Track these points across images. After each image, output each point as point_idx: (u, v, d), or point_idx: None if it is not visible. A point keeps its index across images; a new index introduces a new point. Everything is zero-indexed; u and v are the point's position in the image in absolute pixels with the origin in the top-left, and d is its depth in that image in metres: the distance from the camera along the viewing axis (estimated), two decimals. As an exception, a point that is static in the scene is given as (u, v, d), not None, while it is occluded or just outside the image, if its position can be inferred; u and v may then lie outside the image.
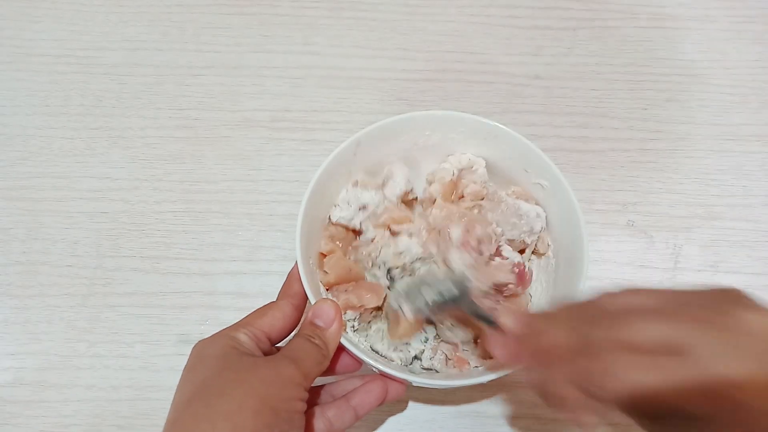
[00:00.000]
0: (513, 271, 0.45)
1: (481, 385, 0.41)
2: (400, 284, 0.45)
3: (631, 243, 0.56)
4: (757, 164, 0.60)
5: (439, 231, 0.46)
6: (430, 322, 0.47)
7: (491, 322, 0.38)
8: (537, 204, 0.49)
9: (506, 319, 0.35)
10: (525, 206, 0.48)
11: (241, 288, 0.53)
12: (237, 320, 0.39)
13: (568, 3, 0.69)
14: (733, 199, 0.58)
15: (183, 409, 0.33)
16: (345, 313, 0.44)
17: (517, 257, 0.46)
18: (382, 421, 0.48)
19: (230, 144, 0.59)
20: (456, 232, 0.46)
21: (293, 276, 0.42)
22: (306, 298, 0.41)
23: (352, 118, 0.61)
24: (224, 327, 0.38)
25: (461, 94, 0.63)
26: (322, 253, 0.46)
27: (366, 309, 0.44)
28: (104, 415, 0.48)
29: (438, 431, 0.48)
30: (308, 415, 0.38)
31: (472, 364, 0.44)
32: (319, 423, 0.38)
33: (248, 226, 0.56)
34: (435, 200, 0.49)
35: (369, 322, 0.46)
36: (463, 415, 0.48)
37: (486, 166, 0.50)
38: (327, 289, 0.46)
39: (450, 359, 0.45)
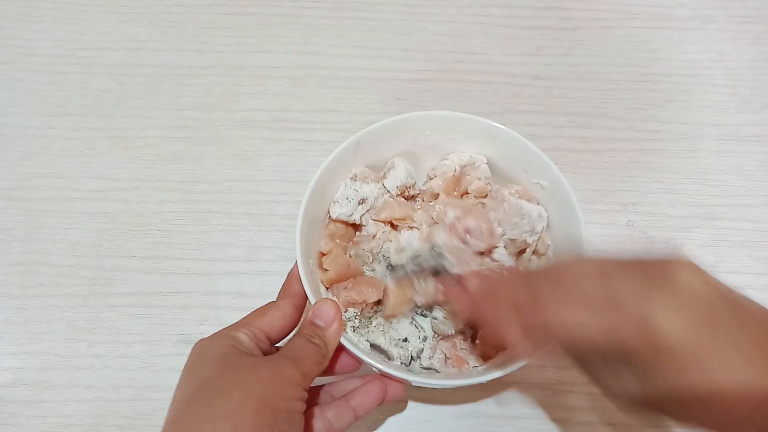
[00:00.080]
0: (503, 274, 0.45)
1: (481, 384, 0.41)
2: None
3: (631, 243, 0.56)
4: (757, 164, 0.60)
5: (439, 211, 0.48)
6: (422, 315, 0.47)
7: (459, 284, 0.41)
8: (539, 204, 0.49)
9: (471, 280, 0.39)
10: (527, 206, 0.48)
11: (241, 288, 0.53)
12: (237, 320, 0.39)
13: (568, 3, 0.69)
14: (733, 199, 0.58)
15: (183, 409, 0.33)
16: (346, 311, 0.45)
17: (509, 262, 0.46)
18: (382, 421, 0.48)
19: (230, 144, 0.59)
20: (451, 215, 0.46)
21: (293, 276, 0.42)
22: (306, 297, 0.41)
23: (352, 118, 0.61)
24: (224, 327, 0.38)
25: (461, 94, 0.63)
26: (322, 253, 0.47)
27: (367, 304, 0.44)
28: (104, 415, 0.48)
29: (438, 431, 0.48)
30: (307, 415, 0.38)
31: (472, 363, 0.44)
32: (318, 423, 0.38)
33: (248, 226, 0.56)
34: (437, 195, 0.49)
35: (370, 317, 0.46)
36: (463, 414, 0.48)
37: (487, 164, 0.50)
38: (327, 288, 0.46)
39: (449, 358, 0.45)
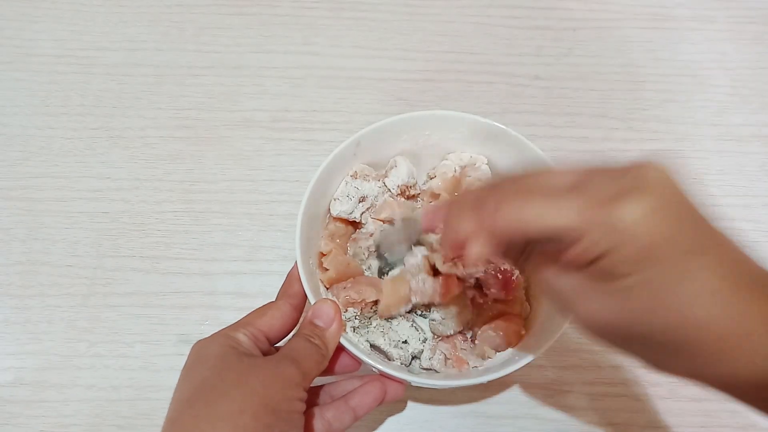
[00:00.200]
0: (497, 277, 0.45)
1: (481, 384, 0.41)
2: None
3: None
4: (757, 164, 0.60)
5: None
6: (422, 316, 0.48)
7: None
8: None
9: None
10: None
11: (241, 288, 0.53)
12: (237, 320, 0.39)
13: (567, 3, 0.69)
14: (732, 199, 0.58)
15: (183, 410, 0.33)
16: (346, 311, 0.45)
17: (504, 264, 0.46)
18: (382, 421, 0.48)
19: (230, 144, 0.60)
20: None
21: (293, 276, 0.42)
22: (305, 298, 0.41)
23: (351, 118, 0.61)
24: (224, 327, 0.38)
25: (461, 95, 0.63)
26: (321, 253, 0.47)
27: (366, 303, 0.44)
28: (104, 414, 0.48)
29: (437, 431, 0.48)
30: (307, 415, 0.38)
31: (471, 364, 0.45)
32: (318, 424, 0.38)
33: (248, 226, 0.56)
34: (437, 195, 0.49)
35: (369, 317, 0.46)
36: (463, 415, 0.48)
37: (487, 165, 0.50)
38: (327, 288, 0.46)
39: (449, 359, 0.45)
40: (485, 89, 0.63)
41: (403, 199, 0.50)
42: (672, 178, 0.27)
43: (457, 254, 0.31)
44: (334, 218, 0.48)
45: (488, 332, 0.45)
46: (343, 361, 0.41)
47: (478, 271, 0.45)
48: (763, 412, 0.29)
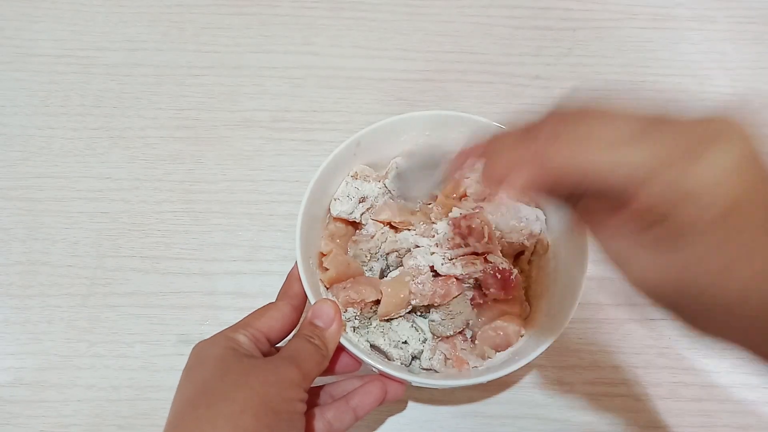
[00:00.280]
0: (495, 277, 0.45)
1: (481, 384, 0.41)
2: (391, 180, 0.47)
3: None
4: (757, 164, 0.60)
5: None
6: (421, 316, 0.47)
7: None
8: (537, 206, 0.49)
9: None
10: (525, 209, 0.48)
11: (241, 288, 0.53)
12: (237, 320, 0.39)
13: (567, 3, 0.69)
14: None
15: (184, 412, 0.33)
16: (345, 311, 0.45)
17: (503, 264, 0.46)
18: (382, 421, 0.48)
19: (230, 144, 0.60)
20: (456, 211, 0.47)
21: (293, 276, 0.42)
22: (305, 298, 0.41)
23: (352, 119, 0.61)
24: (224, 327, 0.38)
25: (461, 95, 0.63)
26: (321, 253, 0.47)
27: (366, 303, 0.44)
28: (104, 415, 0.48)
29: (438, 431, 0.48)
30: (308, 416, 0.38)
31: (471, 364, 0.45)
32: (318, 424, 0.38)
33: (248, 226, 0.56)
34: (436, 197, 0.49)
35: (369, 318, 0.46)
36: (463, 414, 0.48)
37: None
38: (327, 288, 0.46)
39: (449, 359, 0.45)
40: (485, 89, 0.63)
41: (403, 201, 0.50)
42: (748, 135, 0.24)
43: (497, 188, 0.28)
44: (335, 218, 0.48)
45: (488, 332, 0.45)
46: (343, 361, 0.41)
47: (477, 272, 0.45)
48: None
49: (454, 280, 0.45)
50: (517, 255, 0.50)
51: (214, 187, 0.57)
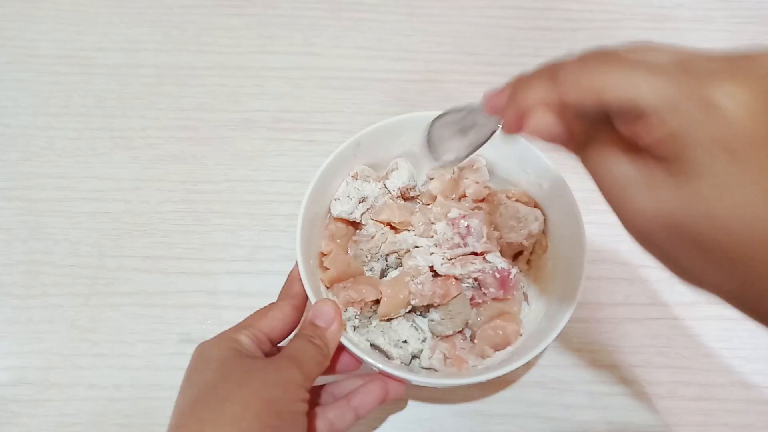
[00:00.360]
0: (494, 276, 0.45)
1: (480, 383, 0.41)
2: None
3: (630, 243, 0.56)
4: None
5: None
6: (421, 316, 0.48)
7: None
8: (536, 206, 0.49)
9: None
10: (523, 209, 0.48)
11: (243, 288, 0.53)
12: (238, 320, 0.39)
13: (567, 4, 0.69)
14: None
15: (187, 414, 0.33)
16: (345, 310, 0.45)
17: (501, 264, 0.46)
18: (383, 420, 0.48)
19: (231, 144, 0.60)
20: (455, 211, 0.47)
21: (293, 276, 0.42)
22: (306, 298, 0.41)
23: (352, 119, 0.61)
24: (226, 326, 0.39)
25: (461, 95, 0.63)
26: (322, 253, 0.47)
27: (366, 303, 0.45)
28: (106, 414, 0.48)
29: (438, 430, 0.48)
30: (309, 416, 0.38)
31: (471, 363, 0.45)
32: (320, 424, 0.38)
33: (249, 226, 0.56)
34: (435, 197, 0.49)
35: (369, 317, 0.46)
36: (463, 413, 0.49)
37: (486, 166, 0.50)
38: (328, 288, 0.46)
39: (448, 358, 0.45)
40: (485, 90, 0.63)
41: (402, 201, 0.50)
42: None
43: (517, 127, 0.28)
44: (335, 218, 0.48)
45: (487, 331, 0.45)
46: (343, 360, 0.42)
47: (476, 271, 0.46)
48: None
49: (454, 280, 0.46)
50: (515, 255, 0.50)
51: (215, 187, 0.58)
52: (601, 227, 0.57)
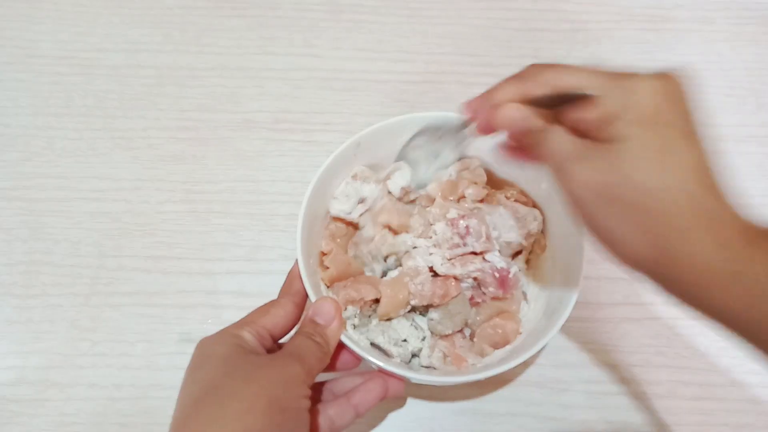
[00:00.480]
0: (493, 276, 0.46)
1: (479, 382, 0.42)
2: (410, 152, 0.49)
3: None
4: (754, 164, 0.60)
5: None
6: (421, 315, 0.48)
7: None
8: (534, 206, 0.49)
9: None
10: (522, 209, 0.48)
11: (243, 287, 0.53)
12: (238, 319, 0.39)
13: (566, 5, 0.69)
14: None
15: (192, 410, 0.33)
16: (345, 309, 0.45)
17: (500, 263, 0.46)
18: (382, 418, 0.48)
19: (232, 145, 0.60)
20: (453, 212, 0.47)
21: (294, 274, 0.43)
22: (306, 296, 0.42)
23: (352, 120, 0.61)
24: (226, 325, 0.39)
25: (461, 96, 0.63)
26: (322, 253, 0.47)
27: (365, 302, 0.45)
28: (106, 413, 0.48)
29: (437, 428, 0.48)
30: (311, 413, 0.38)
31: (470, 361, 0.45)
32: (321, 420, 0.39)
33: (250, 226, 0.56)
34: (434, 199, 0.49)
35: (369, 316, 0.46)
36: (462, 412, 0.49)
37: (483, 167, 0.50)
38: (328, 287, 0.46)
39: (448, 356, 0.45)
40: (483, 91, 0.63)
41: (402, 204, 0.50)
42: (686, 88, 0.32)
43: (489, 127, 0.36)
44: (334, 218, 0.48)
45: (487, 330, 0.45)
46: (343, 358, 0.42)
47: (475, 271, 0.46)
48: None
49: (453, 280, 0.46)
50: (514, 255, 0.50)
51: (215, 187, 0.58)
52: (601, 227, 0.57)
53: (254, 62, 0.65)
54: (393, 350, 0.45)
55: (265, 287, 0.53)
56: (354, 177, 0.48)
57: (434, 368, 0.45)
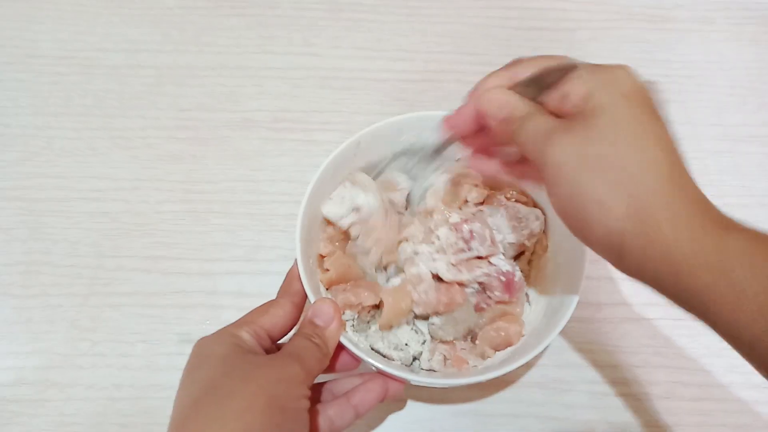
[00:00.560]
0: (499, 279, 0.45)
1: (481, 383, 0.41)
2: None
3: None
4: (755, 164, 0.60)
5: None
6: (423, 319, 0.47)
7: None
8: (535, 205, 0.49)
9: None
10: (524, 209, 0.48)
11: (242, 288, 0.53)
12: (237, 319, 0.39)
13: (565, 4, 0.69)
14: (730, 199, 0.58)
15: (191, 409, 0.33)
16: (343, 313, 0.45)
17: (506, 266, 0.46)
18: (382, 419, 0.48)
19: (231, 144, 0.60)
20: (455, 217, 0.46)
21: (293, 275, 0.42)
22: (305, 296, 0.41)
23: (351, 119, 0.61)
24: (225, 325, 0.38)
25: (461, 95, 0.63)
26: (321, 255, 0.47)
27: (364, 307, 0.44)
28: (106, 414, 0.48)
29: (437, 429, 0.48)
30: (310, 413, 0.38)
31: (471, 363, 0.45)
32: (320, 421, 0.38)
33: (249, 226, 0.56)
34: (432, 212, 0.48)
35: (368, 321, 0.46)
36: (463, 413, 0.49)
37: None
38: (327, 288, 0.46)
39: (448, 359, 0.45)
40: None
41: (398, 217, 0.48)
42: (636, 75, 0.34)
43: (475, 105, 0.38)
44: (324, 219, 0.47)
45: (489, 332, 0.45)
46: (343, 359, 0.42)
47: (481, 276, 0.45)
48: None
49: (458, 287, 0.45)
50: (516, 256, 0.50)
51: (214, 187, 0.58)
52: (601, 227, 0.57)
53: (253, 61, 0.64)
54: (393, 354, 0.44)
55: (264, 287, 0.53)
56: (353, 182, 0.47)
57: (434, 371, 0.45)
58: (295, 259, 0.42)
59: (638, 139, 0.31)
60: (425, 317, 0.47)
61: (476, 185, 0.49)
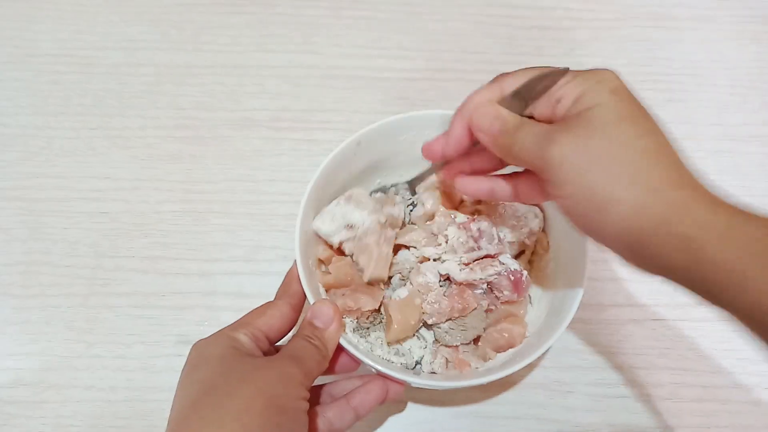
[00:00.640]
0: (509, 278, 0.45)
1: (482, 385, 0.41)
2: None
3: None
4: (756, 164, 0.60)
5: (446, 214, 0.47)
6: (427, 326, 0.47)
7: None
8: (534, 205, 0.49)
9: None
10: (522, 208, 0.48)
11: (241, 288, 0.53)
12: (234, 321, 0.39)
13: (567, 3, 0.69)
14: (731, 199, 0.58)
15: (189, 411, 0.32)
16: (342, 317, 0.44)
17: (514, 265, 0.45)
18: (382, 421, 0.48)
19: (230, 144, 0.59)
20: (461, 217, 0.46)
21: (292, 276, 0.42)
22: (304, 297, 0.41)
23: (351, 118, 0.61)
24: (223, 327, 0.38)
25: (461, 94, 0.62)
26: (320, 259, 0.46)
27: (363, 312, 0.44)
28: (103, 415, 0.48)
29: (438, 430, 0.48)
30: (309, 414, 0.37)
31: (473, 365, 0.44)
32: (320, 423, 0.38)
33: (249, 226, 0.55)
34: (433, 215, 0.48)
35: (368, 328, 0.45)
36: (463, 415, 0.48)
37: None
38: (326, 291, 0.46)
39: (450, 362, 0.45)
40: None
41: (391, 232, 0.47)
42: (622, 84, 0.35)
43: (468, 121, 0.38)
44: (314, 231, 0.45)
45: (493, 334, 0.45)
46: (342, 360, 0.41)
47: (493, 275, 0.45)
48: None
49: (470, 291, 0.44)
50: (516, 256, 0.49)
51: (214, 187, 0.57)
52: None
53: (253, 60, 0.64)
54: (395, 359, 0.44)
55: (264, 288, 0.52)
56: (348, 199, 0.45)
57: (436, 373, 0.45)
58: (295, 260, 0.42)
59: (635, 128, 0.33)
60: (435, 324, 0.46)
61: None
